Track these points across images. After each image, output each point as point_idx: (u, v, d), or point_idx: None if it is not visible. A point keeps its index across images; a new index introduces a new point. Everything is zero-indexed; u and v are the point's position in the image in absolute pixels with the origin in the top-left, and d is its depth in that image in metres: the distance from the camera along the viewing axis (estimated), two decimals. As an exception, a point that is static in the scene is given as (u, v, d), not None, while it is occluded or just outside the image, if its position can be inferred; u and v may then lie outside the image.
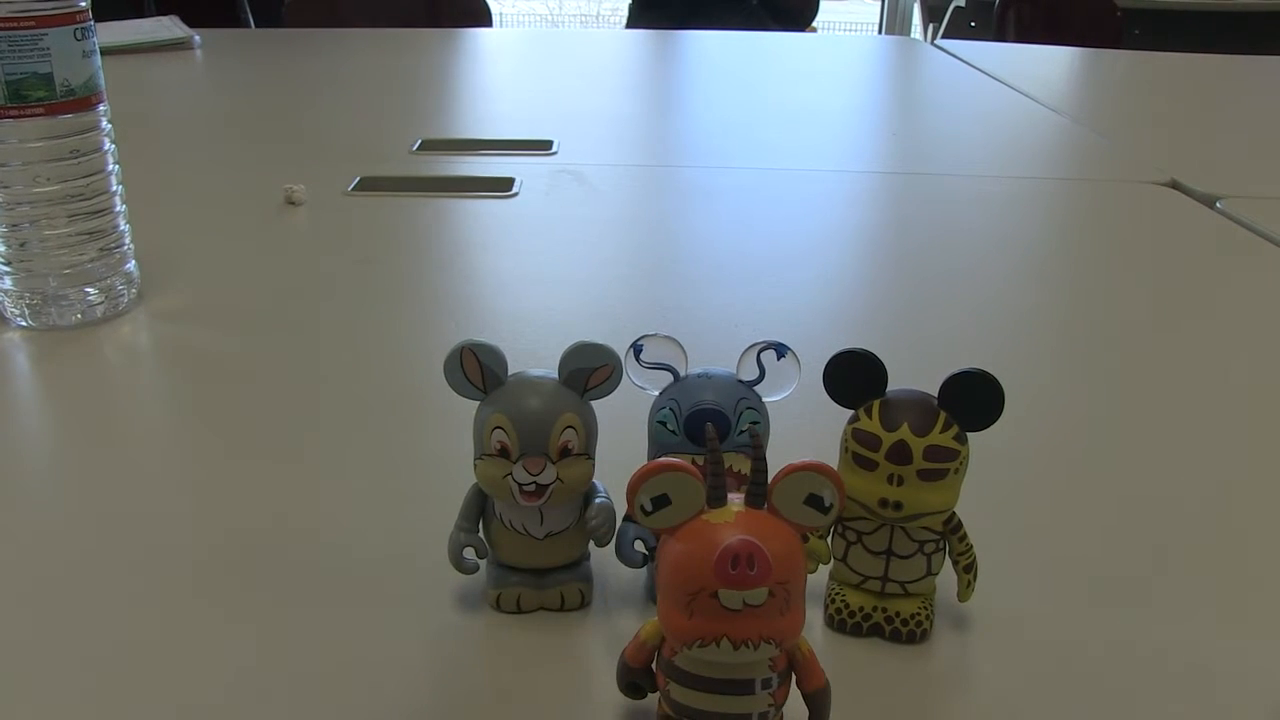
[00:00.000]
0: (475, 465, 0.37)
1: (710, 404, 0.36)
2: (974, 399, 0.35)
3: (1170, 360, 0.62)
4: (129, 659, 0.36)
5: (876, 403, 0.35)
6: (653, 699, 0.33)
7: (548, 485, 0.36)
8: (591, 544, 0.39)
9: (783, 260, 0.76)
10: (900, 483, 0.35)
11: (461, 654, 0.37)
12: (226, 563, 0.41)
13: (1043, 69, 1.65)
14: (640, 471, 0.29)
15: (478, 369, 0.36)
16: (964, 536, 0.37)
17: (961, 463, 0.35)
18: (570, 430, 0.36)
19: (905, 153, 1.12)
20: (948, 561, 0.37)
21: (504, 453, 0.35)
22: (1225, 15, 2.91)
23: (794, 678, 0.31)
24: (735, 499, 0.30)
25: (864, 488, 0.35)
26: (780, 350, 0.37)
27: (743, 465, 0.36)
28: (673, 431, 0.36)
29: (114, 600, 0.39)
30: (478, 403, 0.37)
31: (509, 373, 0.37)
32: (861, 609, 0.38)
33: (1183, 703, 0.35)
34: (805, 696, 0.31)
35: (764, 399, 0.37)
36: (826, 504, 0.29)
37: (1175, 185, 0.96)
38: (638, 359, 0.37)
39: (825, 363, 0.36)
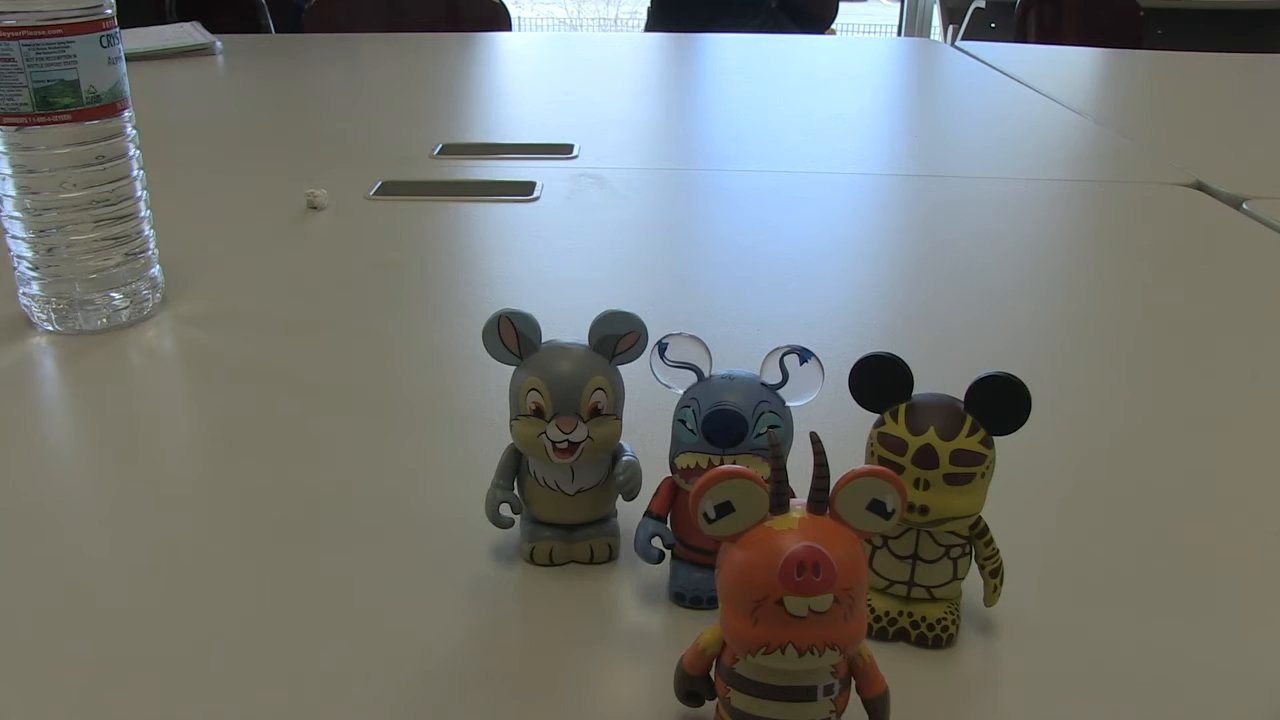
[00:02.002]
0: (511, 426, 0.39)
1: (729, 405, 0.36)
2: (1000, 403, 0.34)
3: (1198, 364, 0.61)
4: (159, 644, 0.37)
5: (902, 407, 0.35)
6: (709, 707, 0.33)
7: (579, 443, 0.38)
8: (619, 501, 0.41)
9: (806, 263, 0.76)
10: (926, 487, 0.34)
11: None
12: (258, 551, 0.42)
13: (1065, 70, 1.64)
14: (703, 479, 0.29)
15: (514, 336, 0.38)
16: (990, 541, 0.37)
17: (988, 467, 0.35)
18: (600, 392, 0.38)
19: (927, 155, 1.11)
20: (974, 566, 0.37)
21: (538, 413, 0.38)
22: (1250, 14, 2.89)
23: (854, 684, 0.31)
24: (797, 505, 0.29)
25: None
26: (803, 355, 0.37)
27: (759, 468, 0.36)
28: (691, 430, 0.37)
29: (142, 596, 0.40)
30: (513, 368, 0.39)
31: (542, 340, 0.39)
32: (887, 613, 0.37)
33: (1214, 706, 0.35)
34: (865, 702, 0.31)
35: (787, 403, 0.37)
36: (889, 509, 0.29)
37: (1200, 187, 0.96)
38: (662, 357, 0.37)
39: (850, 366, 0.36)
